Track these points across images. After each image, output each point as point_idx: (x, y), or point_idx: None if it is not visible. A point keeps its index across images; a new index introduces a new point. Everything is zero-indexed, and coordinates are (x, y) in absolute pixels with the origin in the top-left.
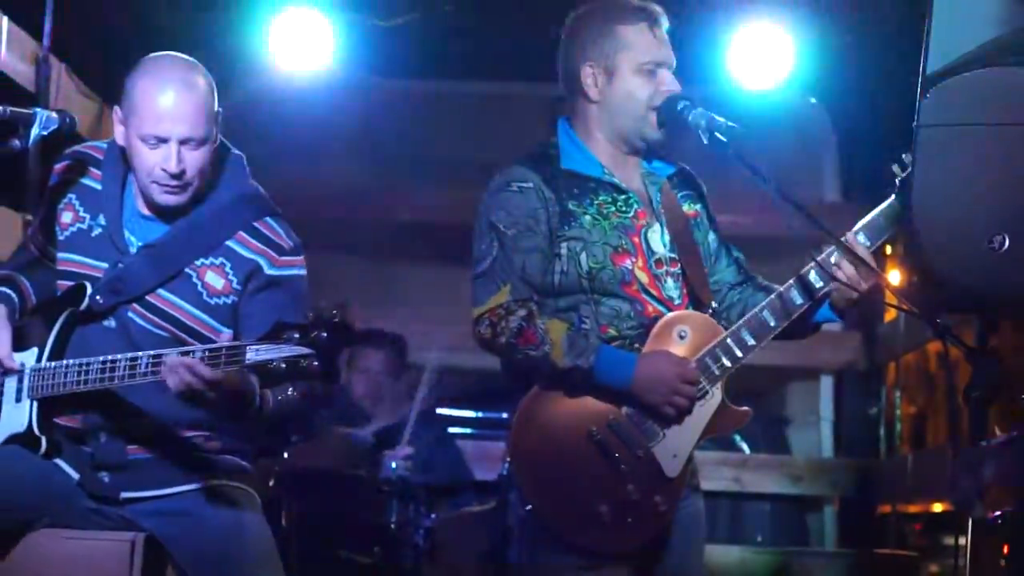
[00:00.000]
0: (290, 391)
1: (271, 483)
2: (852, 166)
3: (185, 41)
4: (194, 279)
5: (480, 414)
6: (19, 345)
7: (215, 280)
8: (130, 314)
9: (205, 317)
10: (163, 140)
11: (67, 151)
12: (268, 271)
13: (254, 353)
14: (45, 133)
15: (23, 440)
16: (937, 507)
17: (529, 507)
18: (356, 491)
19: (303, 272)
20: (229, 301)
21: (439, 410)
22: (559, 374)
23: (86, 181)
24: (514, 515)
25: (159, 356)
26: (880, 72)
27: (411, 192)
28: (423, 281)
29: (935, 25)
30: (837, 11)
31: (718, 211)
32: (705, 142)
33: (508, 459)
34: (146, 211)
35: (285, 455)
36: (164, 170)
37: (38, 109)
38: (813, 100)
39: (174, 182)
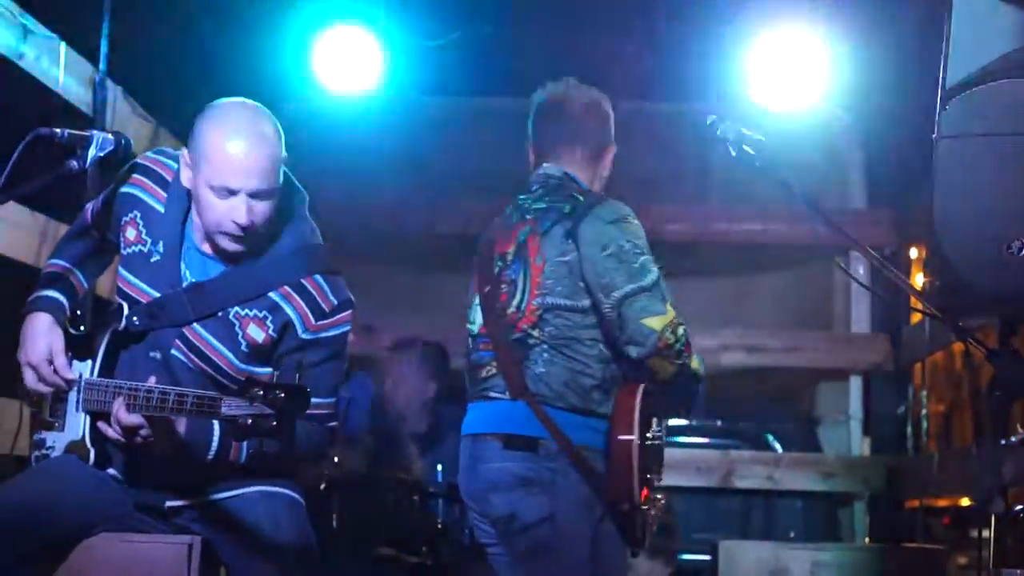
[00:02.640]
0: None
1: (322, 486)
2: (877, 174)
3: (233, 61)
4: (236, 328)
5: None
6: (82, 355)
7: (257, 333)
8: (173, 351)
9: (242, 365)
10: (233, 192)
11: (140, 159)
12: (301, 335)
13: (226, 407)
14: (102, 154)
15: (79, 449)
16: (964, 501)
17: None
18: (404, 493)
19: (340, 331)
20: (269, 348)
21: None
22: (691, 379)
23: (151, 200)
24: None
25: (202, 398)
26: (904, 82)
27: (455, 205)
28: (465, 290)
29: (954, 39)
30: (863, 25)
31: (750, 220)
32: (734, 155)
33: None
34: (206, 248)
35: (335, 459)
36: (234, 222)
37: (95, 131)
38: (840, 112)
39: (241, 233)
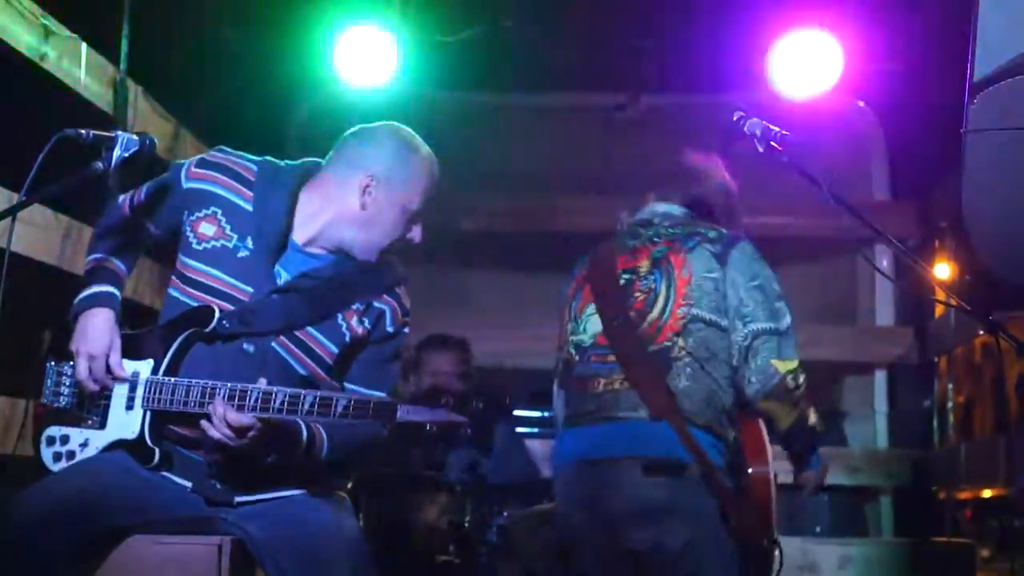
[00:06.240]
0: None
1: (349, 484)
2: (900, 165)
3: (254, 59)
4: (340, 321)
5: (549, 413)
6: (134, 354)
7: (358, 325)
8: (274, 344)
9: (339, 353)
10: (419, 217)
11: (211, 156)
12: (388, 327)
13: (405, 412)
14: (126, 155)
15: (133, 449)
16: (986, 493)
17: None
18: (430, 491)
19: (406, 332)
20: (364, 340)
21: None
22: (807, 432)
23: (233, 198)
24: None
25: (296, 397)
26: (926, 73)
27: (474, 202)
28: (484, 287)
29: (981, 32)
30: (884, 14)
31: (774, 214)
32: (761, 150)
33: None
34: (305, 244)
35: None
36: (411, 243)
37: (120, 132)
38: (861, 103)
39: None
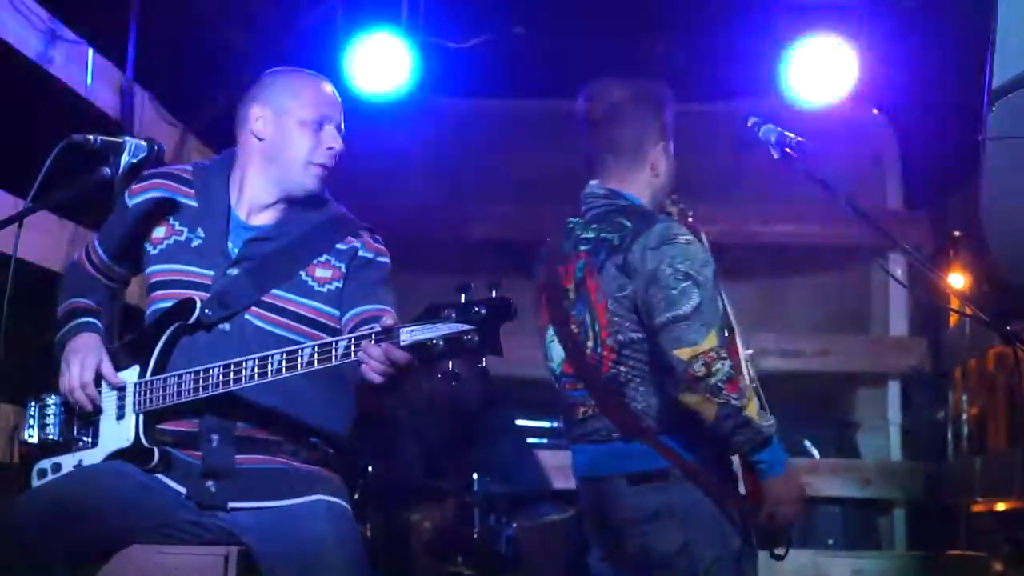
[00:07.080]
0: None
1: (356, 495)
2: (914, 174)
3: (264, 67)
4: (303, 275)
5: (558, 424)
6: (119, 365)
7: (323, 272)
8: (247, 316)
9: (318, 305)
10: (324, 123)
11: (150, 173)
12: (362, 252)
13: (408, 335)
14: (134, 161)
15: (131, 455)
16: (1000, 506)
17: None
18: (438, 502)
19: (388, 261)
20: (340, 285)
21: (517, 421)
22: (743, 427)
23: (179, 199)
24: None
25: (293, 352)
26: (940, 80)
27: (485, 210)
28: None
29: (1000, 39)
30: (899, 20)
31: (786, 223)
32: (776, 157)
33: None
34: (247, 216)
35: (369, 468)
36: (330, 148)
37: (127, 138)
38: (875, 110)
39: (332, 163)
